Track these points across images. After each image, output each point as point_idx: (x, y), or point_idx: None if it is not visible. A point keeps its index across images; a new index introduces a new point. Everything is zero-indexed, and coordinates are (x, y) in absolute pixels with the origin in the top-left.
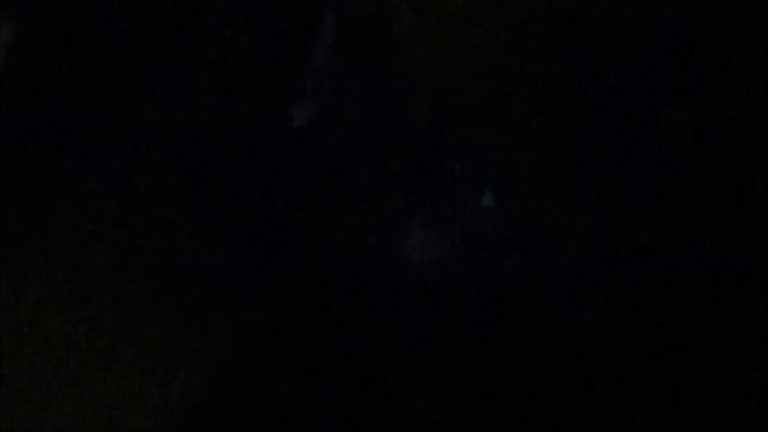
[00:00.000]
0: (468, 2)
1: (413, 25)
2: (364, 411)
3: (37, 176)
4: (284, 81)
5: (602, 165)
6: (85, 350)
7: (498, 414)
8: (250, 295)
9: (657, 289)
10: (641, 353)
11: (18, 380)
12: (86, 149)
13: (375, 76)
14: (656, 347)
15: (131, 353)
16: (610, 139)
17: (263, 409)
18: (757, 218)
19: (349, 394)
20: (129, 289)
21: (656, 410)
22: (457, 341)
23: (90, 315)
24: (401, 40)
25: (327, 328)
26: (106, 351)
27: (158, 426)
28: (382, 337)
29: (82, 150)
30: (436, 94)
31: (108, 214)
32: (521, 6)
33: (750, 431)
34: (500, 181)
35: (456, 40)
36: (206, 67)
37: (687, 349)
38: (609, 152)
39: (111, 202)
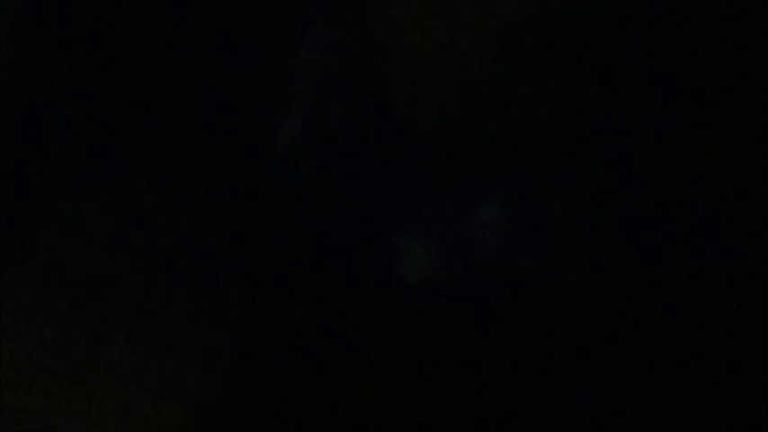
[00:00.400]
0: (461, 5)
1: (401, 34)
2: (361, 427)
3: (37, 181)
4: (268, 97)
5: (607, 174)
6: (87, 359)
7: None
8: (247, 310)
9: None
10: (651, 374)
11: (19, 389)
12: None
13: (363, 88)
14: (667, 364)
15: (134, 362)
16: (617, 147)
17: (261, 423)
18: (758, 218)
19: (347, 407)
20: (129, 297)
21: (670, 419)
22: (456, 356)
23: (91, 323)
24: (389, 49)
25: (323, 343)
26: (108, 359)
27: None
28: (378, 353)
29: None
30: (429, 103)
31: (106, 223)
32: (516, 8)
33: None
34: (499, 192)
35: (450, 44)
36: (190, 81)
37: (701, 356)
38: (615, 161)
39: (107, 211)
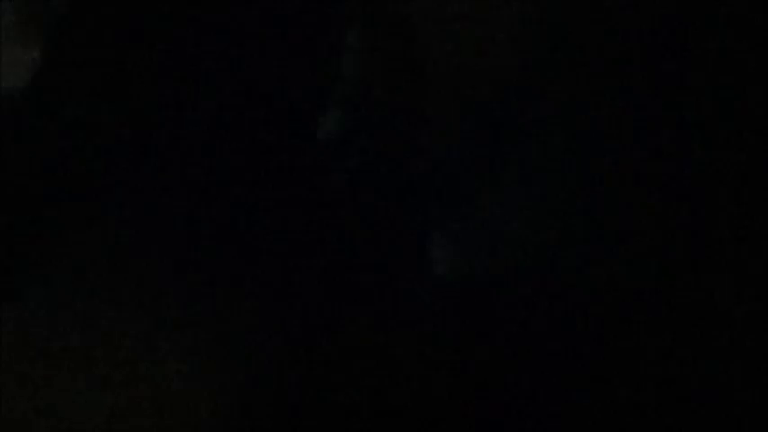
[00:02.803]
0: (494, 9)
1: (439, 32)
2: (387, 423)
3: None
4: (309, 92)
5: (634, 173)
6: (106, 364)
7: (524, 419)
8: (275, 307)
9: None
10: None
11: (34, 393)
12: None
13: (401, 89)
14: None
15: (154, 366)
16: (643, 149)
17: (285, 425)
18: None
19: (371, 403)
20: (151, 303)
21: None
22: (484, 353)
23: (111, 329)
24: (427, 48)
25: (350, 339)
26: (127, 364)
27: None
28: (405, 347)
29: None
30: (464, 102)
31: (132, 223)
32: (546, 14)
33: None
34: (528, 191)
35: (484, 45)
36: (226, 80)
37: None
38: (642, 161)
39: (133, 210)
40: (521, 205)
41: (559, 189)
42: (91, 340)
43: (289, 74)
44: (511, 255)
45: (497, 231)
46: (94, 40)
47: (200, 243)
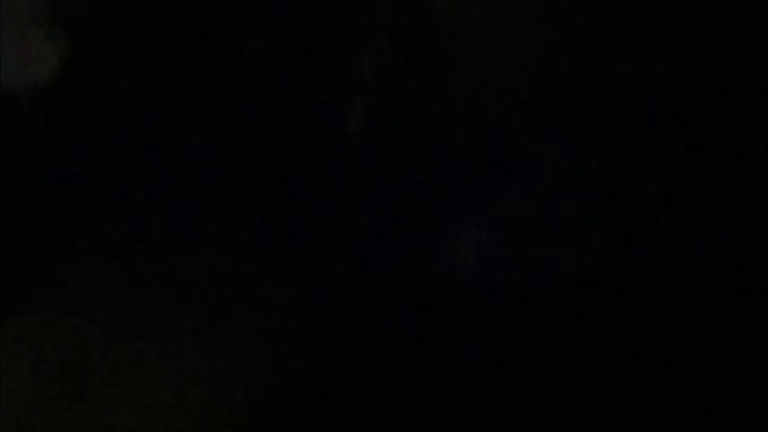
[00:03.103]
0: (517, 13)
1: (462, 26)
2: (415, 416)
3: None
4: (335, 90)
5: (663, 174)
6: (132, 365)
7: (552, 417)
8: (303, 304)
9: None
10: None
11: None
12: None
13: (425, 88)
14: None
15: (179, 366)
16: (672, 149)
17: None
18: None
19: (391, 403)
20: (177, 301)
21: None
22: (505, 353)
23: (137, 331)
24: (451, 43)
25: (371, 337)
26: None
27: None
28: (431, 340)
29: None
30: (488, 97)
31: (160, 222)
32: (570, 12)
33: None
34: (552, 192)
35: (508, 44)
36: (256, 78)
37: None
38: (670, 162)
39: (158, 206)
40: (544, 205)
41: (584, 190)
42: (114, 339)
43: (314, 71)
44: (535, 256)
45: (520, 231)
46: (122, 32)
47: (224, 239)
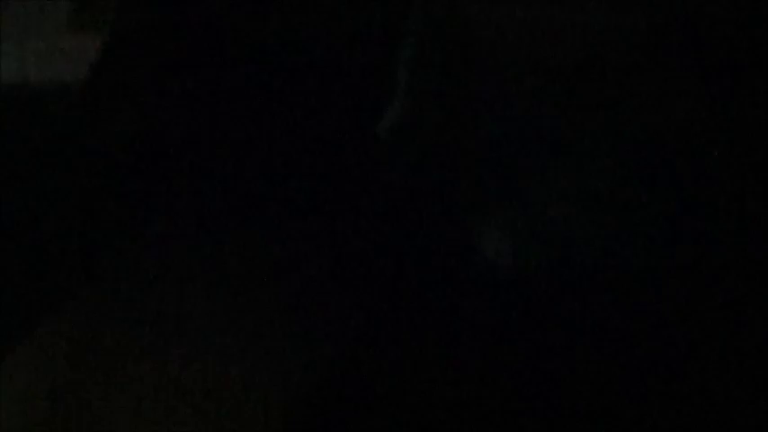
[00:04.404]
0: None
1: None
2: (438, 411)
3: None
4: (367, 91)
5: (691, 165)
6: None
7: (585, 412)
8: (337, 300)
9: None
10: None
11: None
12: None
13: (456, 84)
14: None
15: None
16: (700, 141)
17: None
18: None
19: (425, 391)
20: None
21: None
22: (537, 341)
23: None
24: (480, 49)
25: (405, 327)
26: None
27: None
28: (457, 335)
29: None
30: (516, 99)
31: (206, 220)
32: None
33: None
34: (582, 182)
35: (538, 41)
36: (288, 80)
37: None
38: (698, 153)
39: (192, 205)
40: (574, 196)
41: (613, 181)
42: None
43: (347, 72)
44: (563, 245)
45: (550, 222)
46: (158, 33)
47: (259, 236)
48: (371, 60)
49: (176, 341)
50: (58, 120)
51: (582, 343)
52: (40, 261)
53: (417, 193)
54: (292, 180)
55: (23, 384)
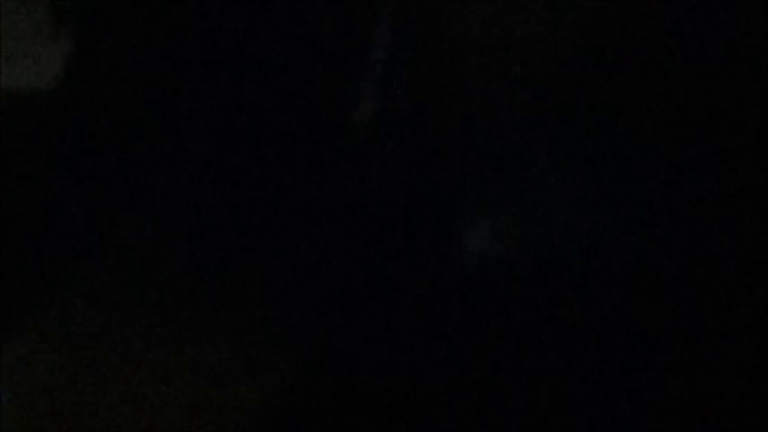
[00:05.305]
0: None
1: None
2: (424, 410)
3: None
4: (342, 81)
5: (687, 164)
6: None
7: (573, 412)
8: (313, 302)
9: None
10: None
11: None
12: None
13: (435, 76)
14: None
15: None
16: (695, 139)
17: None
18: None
19: (408, 390)
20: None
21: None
22: (521, 339)
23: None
24: (456, 37)
25: (389, 326)
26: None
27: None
28: (441, 333)
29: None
30: (497, 88)
31: (170, 221)
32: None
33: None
34: (568, 176)
35: (519, 32)
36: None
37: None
38: (694, 151)
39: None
40: (561, 194)
41: (602, 178)
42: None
43: (322, 66)
44: (551, 244)
45: (537, 220)
46: (130, 32)
47: (234, 236)
48: (347, 51)
49: (168, 341)
50: (35, 123)
51: (580, 343)
52: (33, 261)
53: (392, 186)
54: (272, 177)
55: (21, 384)
